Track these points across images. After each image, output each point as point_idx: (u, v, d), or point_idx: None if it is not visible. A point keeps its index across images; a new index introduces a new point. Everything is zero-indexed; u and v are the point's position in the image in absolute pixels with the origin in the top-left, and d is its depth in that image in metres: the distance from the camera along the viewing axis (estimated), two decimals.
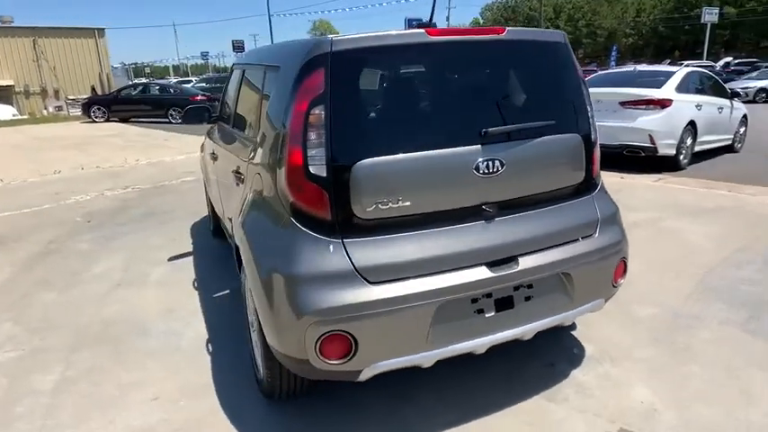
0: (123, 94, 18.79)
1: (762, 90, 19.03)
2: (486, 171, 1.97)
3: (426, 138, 1.92)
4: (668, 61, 36.20)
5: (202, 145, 4.54)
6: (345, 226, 1.86)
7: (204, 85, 24.97)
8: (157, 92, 18.43)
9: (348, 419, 2.22)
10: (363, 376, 1.91)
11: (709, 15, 36.76)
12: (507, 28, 2.07)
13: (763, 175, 6.60)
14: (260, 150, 2.18)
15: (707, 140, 7.89)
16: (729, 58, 37.09)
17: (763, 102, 18.54)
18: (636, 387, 2.37)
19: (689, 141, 7.43)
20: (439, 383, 2.40)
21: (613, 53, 45.06)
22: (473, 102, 2.03)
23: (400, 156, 1.87)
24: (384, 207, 1.87)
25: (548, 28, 69.15)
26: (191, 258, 4.23)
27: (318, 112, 1.82)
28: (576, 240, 2.18)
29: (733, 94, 8.71)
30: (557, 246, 2.12)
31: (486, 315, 1.99)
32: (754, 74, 21.19)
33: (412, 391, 2.37)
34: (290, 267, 1.85)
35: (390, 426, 2.18)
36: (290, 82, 1.93)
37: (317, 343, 1.81)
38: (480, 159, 1.96)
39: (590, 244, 2.21)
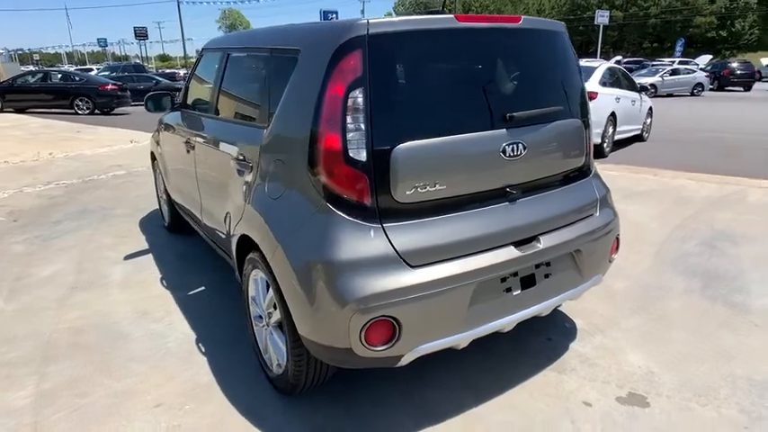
0: (20, 83, 16.86)
1: (651, 85, 21.08)
2: (512, 154, 2.03)
3: (458, 122, 1.94)
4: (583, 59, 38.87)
5: (154, 136, 4.23)
6: (384, 210, 1.84)
7: (109, 73, 23.12)
8: (60, 80, 16.74)
9: (368, 403, 2.20)
10: (404, 361, 1.90)
11: (602, 18, 39.81)
12: (522, 17, 2.14)
13: (671, 161, 7.35)
14: (277, 136, 2.08)
15: (624, 130, 8.65)
16: (619, 57, 40.38)
17: (652, 96, 20.53)
18: (630, 354, 2.57)
19: (611, 131, 8.09)
20: (454, 364, 2.45)
21: None
22: (496, 86, 2.08)
23: (436, 139, 1.88)
24: (422, 191, 1.87)
25: None
26: (149, 256, 3.93)
27: (357, 95, 1.78)
28: (583, 220, 2.32)
29: (641, 88, 9.58)
30: (569, 225, 2.24)
31: (514, 293, 2.06)
32: (644, 71, 23.37)
33: (429, 373, 2.39)
34: (330, 255, 1.79)
35: (412, 406, 2.19)
36: (321, 65, 1.86)
37: (361, 330, 1.78)
38: (506, 143, 2.02)
39: (594, 222, 2.35)
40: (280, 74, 2.18)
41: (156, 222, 4.69)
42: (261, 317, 2.37)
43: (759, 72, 26.25)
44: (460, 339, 1.97)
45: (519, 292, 2.07)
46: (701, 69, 24.43)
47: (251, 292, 2.43)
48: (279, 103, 2.12)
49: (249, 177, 2.26)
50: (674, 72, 21.80)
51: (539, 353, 2.59)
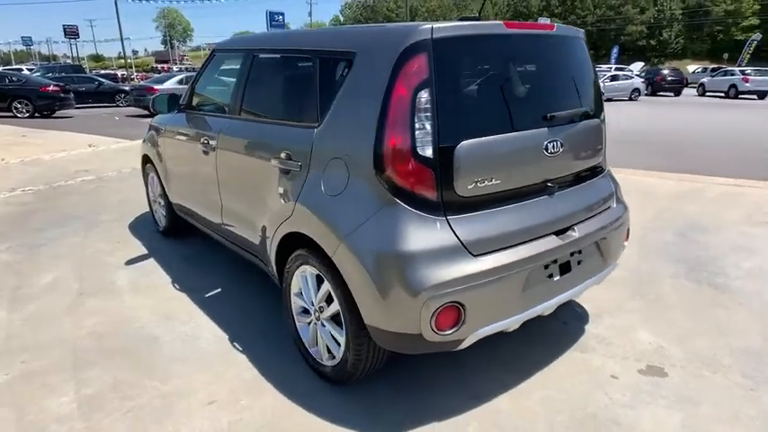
0: None
1: None
2: (552, 151, 2.23)
3: (507, 120, 2.11)
4: None
5: (149, 139, 4.15)
6: (448, 204, 1.98)
7: (44, 74, 21.84)
8: None
9: (420, 389, 2.33)
10: (465, 344, 2.05)
11: None
12: (555, 24, 2.34)
13: (620, 159, 7.89)
14: (334, 135, 2.17)
15: None
16: None
17: None
18: (639, 332, 2.83)
19: None
20: (487, 352, 2.61)
21: None
22: (537, 88, 2.27)
23: (492, 137, 2.04)
24: (480, 185, 2.02)
25: None
26: (152, 261, 3.86)
27: (425, 95, 1.91)
28: (605, 211, 2.55)
29: None
30: (595, 216, 2.46)
31: (554, 279, 2.25)
32: None
33: (469, 362, 2.54)
34: (401, 246, 1.91)
35: (462, 389, 2.34)
36: (385, 67, 1.97)
37: (432, 317, 1.91)
38: (547, 140, 2.21)
39: (613, 213, 2.59)
40: (330, 75, 2.27)
41: (147, 227, 4.59)
42: (307, 311, 2.45)
43: (686, 78, 28.31)
44: (514, 322, 2.13)
45: (558, 277, 2.26)
46: (636, 75, 26.11)
47: (294, 289, 2.49)
48: (332, 103, 2.21)
49: (297, 176, 2.33)
50: (614, 78, 23.16)
51: (560, 337, 2.80)
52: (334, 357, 2.33)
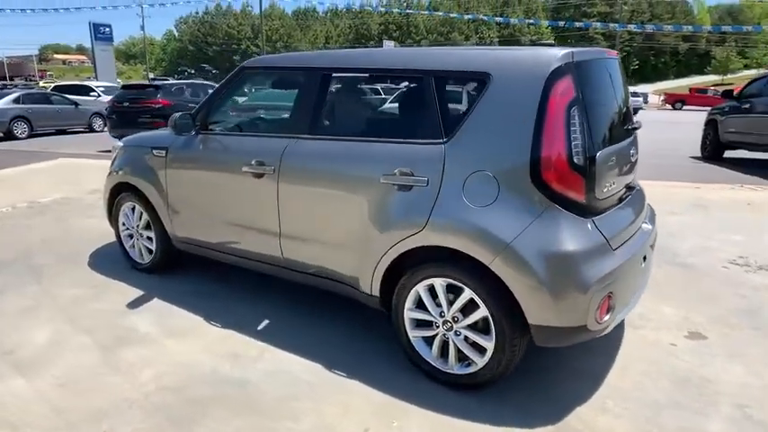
0: None
1: None
2: (633, 158, 2.63)
3: (616, 132, 2.46)
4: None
5: (132, 164, 3.67)
6: (590, 207, 2.24)
7: None
8: None
9: (552, 386, 2.53)
10: (609, 329, 2.31)
11: (388, 47, 44.54)
12: (614, 51, 2.76)
13: None
14: (475, 150, 2.28)
15: None
16: None
17: None
18: (662, 307, 3.37)
19: None
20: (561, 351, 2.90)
21: None
22: (620, 103, 2.65)
23: (612, 146, 2.37)
24: (605, 189, 2.33)
25: (248, 48, 70.93)
26: (160, 301, 3.41)
27: (575, 112, 2.15)
28: (649, 208, 3.03)
29: None
30: (649, 219, 2.91)
31: (643, 266, 2.64)
32: None
33: (568, 361, 2.79)
34: (568, 248, 2.12)
35: (581, 379, 2.59)
36: (533, 88, 2.17)
37: (597, 309, 2.15)
38: (630, 149, 2.60)
39: (653, 217, 3.06)
40: (453, 94, 2.38)
41: (117, 266, 3.99)
42: (424, 324, 2.50)
43: None
44: (634, 305, 2.46)
45: (644, 264, 2.66)
46: None
47: (408, 304, 2.50)
48: (462, 120, 2.32)
49: (424, 191, 2.36)
50: None
51: None
52: (469, 365, 2.41)
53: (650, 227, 2.76)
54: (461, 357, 2.44)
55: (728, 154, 10.03)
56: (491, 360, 2.33)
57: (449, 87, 2.43)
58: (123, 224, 3.93)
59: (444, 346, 2.47)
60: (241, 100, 2.83)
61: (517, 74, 2.25)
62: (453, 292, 2.38)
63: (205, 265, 3.80)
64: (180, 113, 3.24)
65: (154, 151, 3.52)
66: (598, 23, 44.93)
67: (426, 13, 63.22)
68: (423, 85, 2.47)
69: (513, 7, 65.21)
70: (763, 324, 3.14)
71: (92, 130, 15.66)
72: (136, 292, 3.53)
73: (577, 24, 43.24)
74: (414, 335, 2.54)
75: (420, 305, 2.51)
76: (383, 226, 2.50)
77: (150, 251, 3.81)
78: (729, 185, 7.32)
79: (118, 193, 3.89)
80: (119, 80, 33.78)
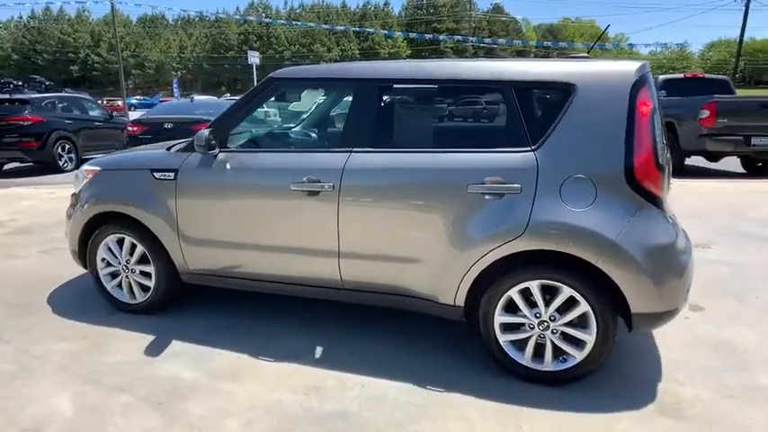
0: None
1: None
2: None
3: None
4: (228, 94, 41.02)
5: (124, 192, 3.18)
6: (665, 201, 2.50)
7: None
8: None
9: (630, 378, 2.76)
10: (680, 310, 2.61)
11: (254, 59, 43.12)
12: None
13: None
14: (568, 156, 2.41)
15: None
16: None
17: None
18: None
19: None
20: None
21: (175, 85, 47.15)
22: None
23: None
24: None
25: (88, 57, 63.74)
26: (183, 344, 2.97)
27: (656, 118, 2.41)
28: None
29: None
30: None
31: None
32: None
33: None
34: (665, 239, 2.39)
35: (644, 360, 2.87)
36: (620, 97, 2.38)
37: (687, 291, 2.43)
38: None
39: None
40: (537, 103, 2.49)
41: (92, 309, 3.39)
42: (513, 327, 2.58)
43: None
44: None
45: None
46: None
47: (499, 310, 2.56)
48: (550, 128, 2.45)
49: (518, 198, 2.44)
50: None
51: None
52: (565, 360, 2.53)
53: None
54: (555, 354, 2.55)
55: None
56: (592, 352, 2.47)
57: (529, 97, 2.53)
58: (103, 260, 3.36)
59: (539, 346, 2.57)
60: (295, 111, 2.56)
61: (602, 85, 2.44)
62: (549, 292, 2.49)
63: (199, 297, 3.51)
64: (206, 130, 2.87)
65: (156, 174, 3.08)
66: (460, 37, 48.67)
67: (285, 24, 62.67)
68: (505, 94, 2.55)
69: (371, 21, 67.73)
70: (736, 291, 3.75)
71: None
72: (144, 338, 3.05)
73: (429, 37, 46.48)
74: (504, 339, 2.60)
75: (509, 309, 2.58)
76: (473, 235, 2.51)
77: (145, 288, 3.31)
78: None
79: (93, 226, 3.32)
80: None
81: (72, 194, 3.56)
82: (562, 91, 2.49)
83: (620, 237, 2.34)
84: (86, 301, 3.56)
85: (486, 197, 2.50)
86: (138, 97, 51.47)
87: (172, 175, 3.04)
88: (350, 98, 2.82)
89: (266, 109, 7.85)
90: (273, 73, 2.99)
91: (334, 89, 2.79)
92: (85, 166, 3.46)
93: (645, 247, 2.34)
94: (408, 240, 2.65)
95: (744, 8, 28.32)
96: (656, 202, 2.41)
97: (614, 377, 2.64)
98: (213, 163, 2.96)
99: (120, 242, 3.28)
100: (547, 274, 2.46)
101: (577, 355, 2.50)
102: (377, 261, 2.74)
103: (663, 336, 3.08)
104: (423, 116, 2.83)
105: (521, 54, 79.24)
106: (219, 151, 2.95)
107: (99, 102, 14.95)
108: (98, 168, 3.35)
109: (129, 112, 26.07)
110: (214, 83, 66.40)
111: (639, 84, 2.41)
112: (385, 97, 2.73)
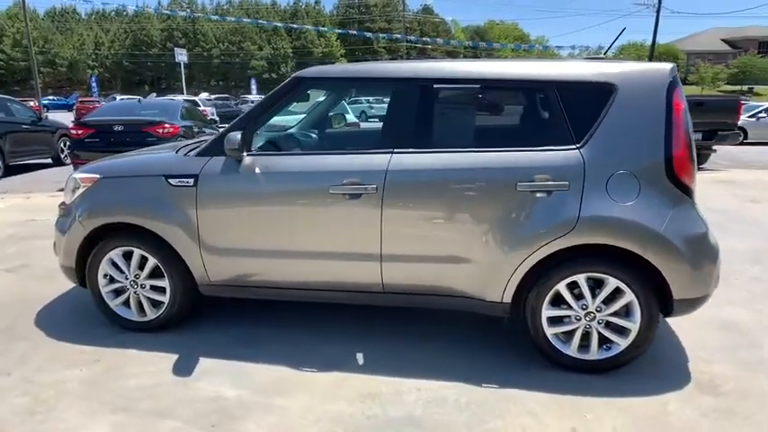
0: None
1: None
2: None
3: None
4: (155, 94, 38.85)
5: (136, 202, 2.93)
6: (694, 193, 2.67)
7: None
8: None
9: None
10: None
11: (181, 56, 41.28)
12: None
13: None
14: (613, 153, 2.51)
15: None
16: (206, 94, 42.02)
17: None
18: None
19: None
20: None
21: (94, 84, 44.20)
22: None
23: None
24: None
25: None
26: (214, 360, 2.78)
27: (687, 115, 2.55)
28: None
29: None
30: None
31: None
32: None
33: None
34: (702, 228, 2.55)
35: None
36: (658, 97, 2.51)
37: (718, 277, 2.60)
38: None
39: None
40: (580, 102, 2.56)
41: (91, 329, 3.11)
42: (557, 321, 2.65)
43: None
44: None
45: None
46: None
47: (546, 304, 2.61)
48: (593, 126, 2.53)
49: (567, 194, 2.50)
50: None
51: None
52: (609, 349, 2.63)
53: None
54: (600, 343, 2.64)
55: None
56: (637, 338, 2.58)
57: (572, 96, 2.60)
58: (106, 276, 3.07)
59: (584, 337, 2.65)
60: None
61: (640, 85, 2.56)
62: (595, 284, 2.58)
63: (206, 309, 3.34)
64: (236, 132, 2.70)
65: (171, 181, 2.86)
66: (399, 35, 48.96)
67: (219, 19, 60.07)
68: (547, 94, 2.61)
69: (303, 19, 66.74)
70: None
71: None
72: (165, 357, 2.83)
73: (368, 34, 46.58)
74: (551, 332, 2.66)
75: (555, 303, 2.64)
76: (523, 233, 2.55)
77: (156, 304, 3.07)
78: None
79: (93, 240, 3.04)
80: None
81: (60, 204, 3.24)
82: (604, 91, 2.57)
83: (665, 228, 2.46)
84: (82, 320, 3.25)
85: (535, 195, 2.54)
86: (50, 97, 47.48)
87: (191, 181, 2.84)
88: (384, 98, 2.77)
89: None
90: (301, 72, 2.87)
91: (367, 89, 2.74)
92: (79, 174, 3.15)
93: (685, 236, 2.48)
94: (455, 240, 2.65)
95: (655, 14, 30.80)
96: (689, 194, 2.56)
97: (646, 361, 2.77)
98: (240, 167, 2.80)
99: (127, 255, 3.02)
100: (594, 267, 2.54)
101: (622, 343, 2.61)
102: (421, 262, 2.71)
103: (672, 320, 3.27)
104: (464, 116, 2.84)
105: (450, 54, 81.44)
106: (247, 155, 2.80)
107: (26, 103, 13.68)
108: (97, 176, 3.05)
109: (47, 114, 23.93)
110: (135, 81, 62.55)
111: (674, 83, 2.55)
112: (426, 97, 2.70)
